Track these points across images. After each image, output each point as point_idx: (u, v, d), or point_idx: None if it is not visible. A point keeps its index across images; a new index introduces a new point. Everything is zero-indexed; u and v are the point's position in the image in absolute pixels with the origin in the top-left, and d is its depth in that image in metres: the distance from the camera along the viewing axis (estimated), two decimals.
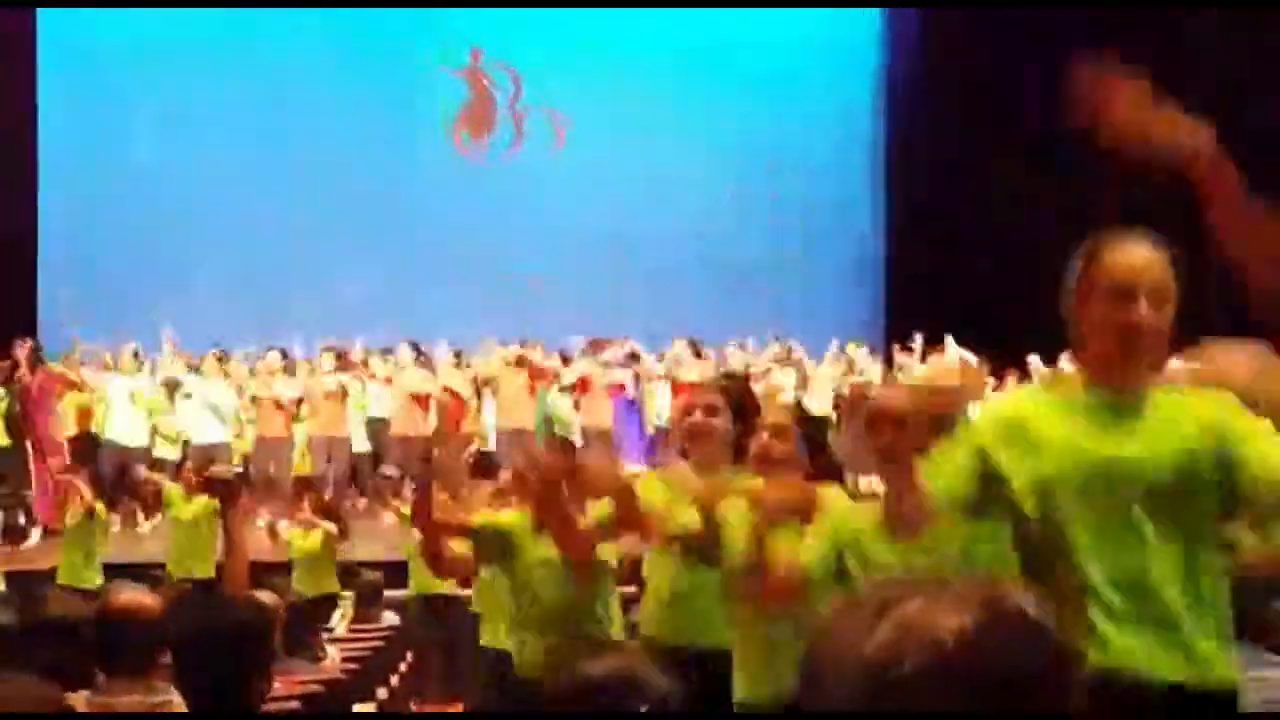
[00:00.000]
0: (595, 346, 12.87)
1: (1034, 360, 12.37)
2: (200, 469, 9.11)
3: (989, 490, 2.56)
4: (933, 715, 0.94)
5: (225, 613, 2.89)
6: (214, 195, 14.78)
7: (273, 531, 10.45)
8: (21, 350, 11.64)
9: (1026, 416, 2.57)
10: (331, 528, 9.21)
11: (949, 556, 2.94)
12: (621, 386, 12.60)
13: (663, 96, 15.93)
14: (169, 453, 12.10)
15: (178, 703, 3.34)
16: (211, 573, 8.83)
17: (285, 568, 9.03)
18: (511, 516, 4.45)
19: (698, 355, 12.91)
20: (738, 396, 3.90)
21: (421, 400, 12.16)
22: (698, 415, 3.83)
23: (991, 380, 12.36)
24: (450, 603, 8.29)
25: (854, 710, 0.96)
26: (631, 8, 15.72)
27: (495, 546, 4.33)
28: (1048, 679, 0.97)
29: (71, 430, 11.95)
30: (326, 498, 10.39)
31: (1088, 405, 2.54)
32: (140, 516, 11.63)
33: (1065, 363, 12.18)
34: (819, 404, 12.19)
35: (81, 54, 14.87)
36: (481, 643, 6.61)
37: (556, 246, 15.33)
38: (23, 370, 11.50)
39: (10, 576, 9.24)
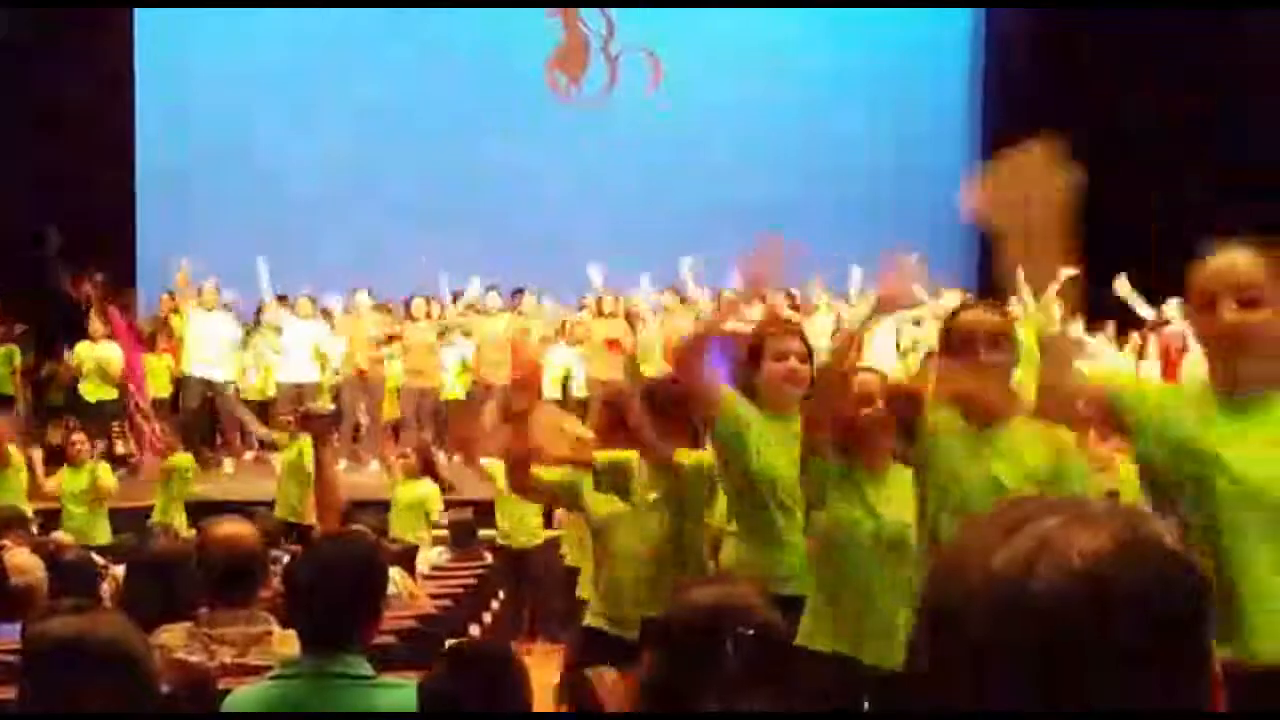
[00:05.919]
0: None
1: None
2: (294, 407, 9.22)
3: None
4: (1060, 636, 0.91)
5: (343, 550, 2.92)
6: (305, 144, 14.67)
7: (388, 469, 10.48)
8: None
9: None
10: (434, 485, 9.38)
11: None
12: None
13: (758, 36, 15.62)
14: (251, 392, 12.22)
15: (279, 633, 3.40)
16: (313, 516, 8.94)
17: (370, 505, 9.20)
18: (630, 452, 4.48)
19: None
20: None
21: (512, 346, 12.13)
22: (793, 361, 3.95)
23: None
24: (530, 554, 8.48)
25: (978, 625, 0.93)
26: None
27: (612, 479, 4.38)
28: (1182, 610, 0.94)
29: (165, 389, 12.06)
30: (417, 447, 10.41)
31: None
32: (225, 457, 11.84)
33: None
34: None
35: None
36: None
37: (655, 192, 15.18)
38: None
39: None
